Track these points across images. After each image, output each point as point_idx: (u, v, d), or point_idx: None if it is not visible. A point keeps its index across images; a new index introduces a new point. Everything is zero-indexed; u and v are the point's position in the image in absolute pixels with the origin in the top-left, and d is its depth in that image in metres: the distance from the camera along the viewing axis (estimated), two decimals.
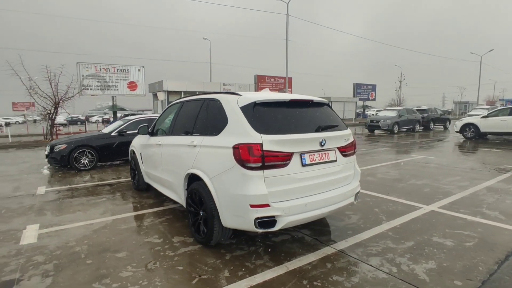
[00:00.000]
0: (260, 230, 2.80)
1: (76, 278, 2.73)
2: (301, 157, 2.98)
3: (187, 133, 3.80)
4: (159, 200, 5.05)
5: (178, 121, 4.24)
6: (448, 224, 3.84)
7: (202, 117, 3.63)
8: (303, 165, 2.99)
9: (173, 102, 4.80)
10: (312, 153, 3.07)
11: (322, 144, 3.09)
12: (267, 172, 2.80)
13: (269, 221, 2.77)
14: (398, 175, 6.73)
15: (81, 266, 2.94)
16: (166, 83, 18.09)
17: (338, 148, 3.33)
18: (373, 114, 25.45)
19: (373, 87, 43.67)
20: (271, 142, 2.82)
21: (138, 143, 5.48)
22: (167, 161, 4.19)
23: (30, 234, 3.72)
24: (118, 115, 27.76)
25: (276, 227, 2.81)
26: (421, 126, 19.47)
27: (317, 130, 3.13)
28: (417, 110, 20.09)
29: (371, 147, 11.91)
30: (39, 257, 3.15)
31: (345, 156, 3.41)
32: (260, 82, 33.63)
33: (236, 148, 2.83)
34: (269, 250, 3.24)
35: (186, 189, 3.62)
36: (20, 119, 47.45)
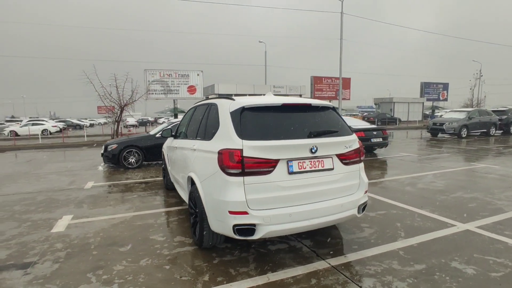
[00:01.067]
0: (239, 238, 2.75)
1: (78, 267, 3.03)
2: (288, 164, 2.84)
3: (193, 137, 3.92)
4: (181, 200, 5.30)
5: (190, 125, 4.41)
6: (480, 248, 3.26)
7: (204, 121, 3.70)
8: (290, 172, 2.84)
9: (190, 107, 5.00)
10: (301, 161, 2.90)
11: (313, 151, 2.89)
12: (248, 178, 2.73)
13: (248, 229, 2.70)
14: (445, 186, 5.94)
15: (87, 257, 3.25)
16: (218, 86, 18.89)
17: (338, 156, 3.09)
18: (441, 116, 22.84)
19: (445, 86, 39.26)
20: (253, 148, 2.74)
21: (166, 145, 5.84)
22: (179, 163, 4.39)
23: (61, 224, 4.25)
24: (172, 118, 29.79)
25: (255, 236, 2.73)
26: (498, 129, 16.82)
27: (309, 136, 2.94)
28: (494, 111, 17.41)
29: (427, 153, 10.72)
30: (59, 244, 3.57)
31: (346, 164, 3.14)
32: (317, 83, 32.87)
33: (220, 153, 2.83)
34: (259, 258, 3.15)
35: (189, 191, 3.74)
36: (102, 121, 54.42)
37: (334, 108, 3.42)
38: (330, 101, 21.73)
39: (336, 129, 3.18)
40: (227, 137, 2.88)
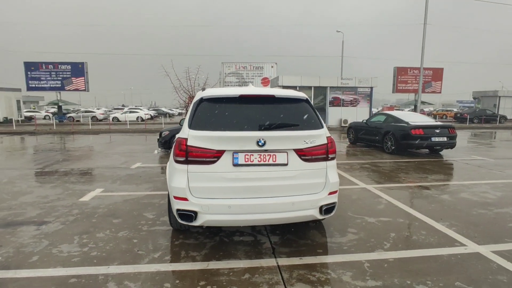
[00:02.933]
0: (182, 222, 2.88)
1: (73, 230, 3.63)
2: (233, 156, 2.82)
3: None
4: None
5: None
6: (474, 275, 2.65)
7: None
8: (235, 164, 2.81)
9: None
10: (249, 153, 2.83)
11: (260, 144, 2.78)
12: (191, 167, 2.82)
13: (189, 215, 2.81)
14: (496, 199, 4.84)
15: (86, 223, 3.86)
16: (282, 78, 18.86)
17: (296, 151, 2.90)
18: None
19: None
20: (197, 138, 2.81)
21: None
22: None
23: (90, 195, 5.07)
24: None
25: (195, 223, 2.81)
26: None
27: (260, 129, 2.84)
28: None
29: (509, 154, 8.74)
30: (75, 210, 4.31)
31: (306, 161, 2.92)
32: (400, 74, 29.73)
33: (174, 142, 2.99)
34: (217, 246, 3.22)
35: None
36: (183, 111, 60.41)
37: (307, 100, 3.19)
38: (415, 95, 19.39)
39: (296, 123, 2.97)
40: (184, 126, 3.01)
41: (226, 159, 2.81)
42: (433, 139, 8.62)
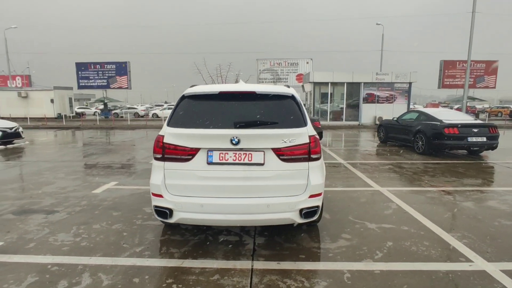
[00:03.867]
0: (159, 219, 2.89)
1: (74, 220, 3.85)
2: (207, 154, 2.76)
3: None
4: None
5: None
6: None
7: None
8: (209, 163, 2.75)
9: None
10: (224, 152, 2.75)
11: (234, 142, 2.69)
12: (168, 164, 2.82)
13: (164, 212, 2.81)
14: None
15: (88, 214, 4.07)
16: (313, 74, 18.31)
17: (274, 150, 2.76)
18: None
19: None
20: (172, 135, 2.80)
21: None
22: None
23: (103, 187, 5.36)
24: None
25: (170, 220, 2.81)
26: None
27: (235, 126, 2.74)
28: None
29: None
30: (84, 201, 4.57)
31: (285, 161, 2.77)
32: (448, 68, 27.44)
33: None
34: (198, 244, 3.21)
35: None
36: None
37: (293, 97, 3.01)
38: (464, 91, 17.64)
39: (275, 120, 2.82)
40: (164, 124, 3.02)
41: (200, 157, 2.77)
42: (469, 139, 7.79)
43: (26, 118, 25.35)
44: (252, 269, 2.73)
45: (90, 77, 31.51)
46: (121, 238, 3.34)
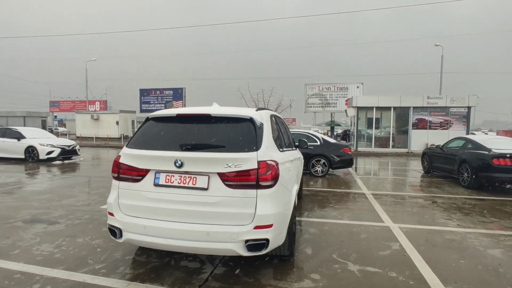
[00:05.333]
0: (111, 237, 2.92)
1: (66, 232, 4.10)
2: (155, 175, 2.74)
3: None
4: None
5: None
6: None
7: None
8: (155, 184, 2.73)
9: None
10: (170, 174, 2.71)
11: (178, 165, 2.63)
12: (122, 183, 2.88)
13: (114, 231, 2.83)
14: None
15: (82, 227, 4.30)
16: (356, 99, 17.46)
17: (220, 175, 2.63)
18: None
19: None
20: (127, 156, 2.87)
21: None
22: None
23: None
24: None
25: (119, 240, 2.82)
26: None
27: (181, 149, 2.70)
28: None
29: None
30: (87, 215, 4.87)
31: (230, 186, 2.61)
32: None
33: None
34: (158, 267, 3.14)
35: None
36: None
37: (251, 120, 2.88)
38: None
39: (224, 144, 2.70)
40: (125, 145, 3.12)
41: (149, 178, 2.77)
42: None
43: (95, 137, 28.76)
44: None
45: (151, 102, 34.85)
46: (92, 254, 3.45)
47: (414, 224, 4.70)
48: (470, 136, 8.85)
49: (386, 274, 3.08)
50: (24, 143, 11.83)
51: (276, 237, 2.71)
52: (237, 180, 2.60)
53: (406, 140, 17.41)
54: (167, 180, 2.72)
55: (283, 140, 3.86)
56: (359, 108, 17.62)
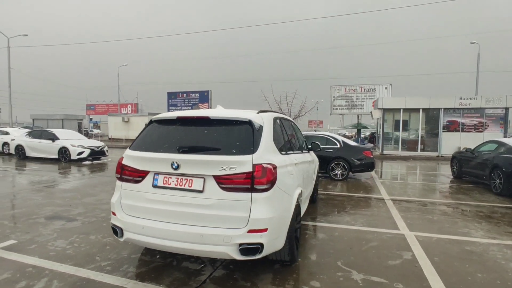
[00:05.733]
0: (114, 236, 3.01)
1: (82, 230, 4.31)
2: (154, 177, 2.80)
3: None
4: None
5: None
6: None
7: None
8: (154, 186, 2.79)
9: None
10: (168, 176, 2.75)
11: (174, 167, 2.66)
12: (124, 184, 2.97)
13: (115, 230, 2.92)
14: None
15: (97, 225, 4.50)
16: (382, 101, 16.76)
17: (215, 178, 2.63)
18: None
19: None
20: (129, 158, 2.95)
21: None
22: None
23: None
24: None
25: (121, 239, 2.90)
26: None
27: (178, 151, 2.73)
28: None
29: None
30: (103, 214, 5.08)
31: (224, 189, 2.60)
32: None
33: None
34: (160, 267, 3.20)
35: None
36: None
37: (250, 122, 2.86)
38: None
39: (220, 146, 2.69)
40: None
41: (148, 179, 2.83)
42: None
43: (124, 139, 30.07)
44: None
45: (178, 104, 35.85)
46: (101, 251, 3.59)
47: (433, 233, 4.42)
48: (503, 139, 8.21)
49: (391, 285, 2.92)
50: (58, 144, 12.62)
51: (271, 242, 2.66)
52: (232, 183, 2.59)
53: (436, 143, 16.47)
54: (164, 182, 2.77)
55: (290, 142, 3.80)
56: (385, 110, 16.96)
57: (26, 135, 13.72)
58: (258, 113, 3.13)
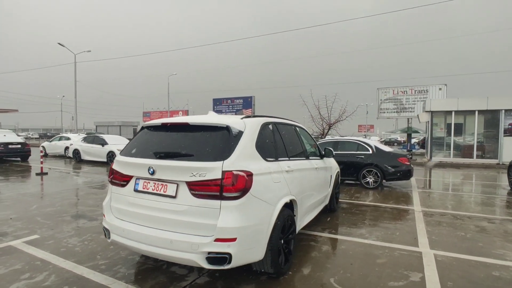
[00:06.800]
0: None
1: (96, 230, 4.63)
2: (135, 181, 2.89)
3: None
4: None
5: None
6: None
7: None
8: (135, 190, 2.88)
9: None
10: (147, 181, 2.82)
11: (150, 172, 2.72)
12: (114, 188, 3.11)
13: (105, 231, 3.07)
14: None
15: None
16: (430, 103, 15.23)
17: (188, 184, 2.62)
18: None
19: None
20: (118, 162, 3.09)
21: None
22: None
23: None
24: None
25: (108, 240, 3.03)
26: None
27: (156, 157, 2.78)
28: None
29: None
30: None
31: (195, 196, 2.58)
32: None
33: None
34: (150, 270, 3.28)
35: None
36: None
37: (227, 128, 2.81)
38: None
39: (194, 152, 2.68)
40: None
41: (132, 184, 2.94)
42: None
43: None
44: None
45: (222, 110, 36.96)
46: (104, 251, 3.80)
47: (458, 253, 3.87)
48: None
49: None
50: (106, 149, 13.84)
51: (243, 253, 2.56)
52: (202, 189, 2.56)
53: (496, 149, 14.53)
54: (144, 187, 2.84)
55: (286, 149, 3.64)
56: (433, 113, 15.47)
57: (81, 141, 15.31)
58: (242, 118, 3.07)
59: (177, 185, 2.67)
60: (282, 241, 3.12)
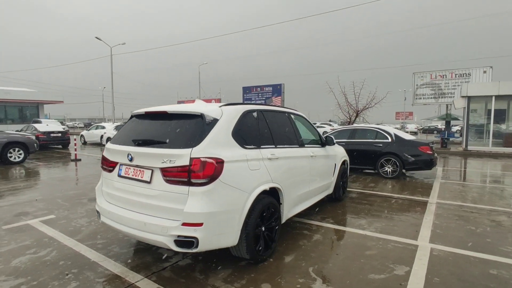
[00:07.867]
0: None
1: None
2: (119, 167, 3.06)
3: None
4: None
5: None
6: None
7: None
8: (118, 175, 3.05)
9: None
10: (128, 167, 2.98)
11: (129, 159, 2.87)
12: (104, 173, 3.32)
13: (97, 213, 3.30)
14: None
15: None
16: (467, 87, 13.93)
17: (161, 170, 2.73)
18: None
19: None
20: (106, 150, 3.30)
21: None
22: None
23: None
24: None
25: (99, 221, 3.26)
26: None
27: (135, 144, 2.92)
28: None
29: None
30: None
31: (167, 182, 2.68)
32: None
33: None
34: (135, 246, 3.50)
35: None
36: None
37: (202, 116, 2.86)
38: None
39: (165, 140, 2.77)
40: None
41: (116, 169, 3.12)
42: None
43: None
44: (134, 284, 2.78)
45: (252, 98, 37.01)
46: (105, 231, 4.09)
47: (458, 248, 3.64)
48: None
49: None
50: None
51: (211, 237, 2.64)
52: (172, 175, 2.66)
53: None
54: (125, 172, 3.01)
55: (272, 136, 3.60)
56: (471, 98, 14.22)
57: (114, 129, 16.27)
58: (220, 106, 3.10)
59: (152, 171, 2.80)
60: (264, 228, 3.15)
